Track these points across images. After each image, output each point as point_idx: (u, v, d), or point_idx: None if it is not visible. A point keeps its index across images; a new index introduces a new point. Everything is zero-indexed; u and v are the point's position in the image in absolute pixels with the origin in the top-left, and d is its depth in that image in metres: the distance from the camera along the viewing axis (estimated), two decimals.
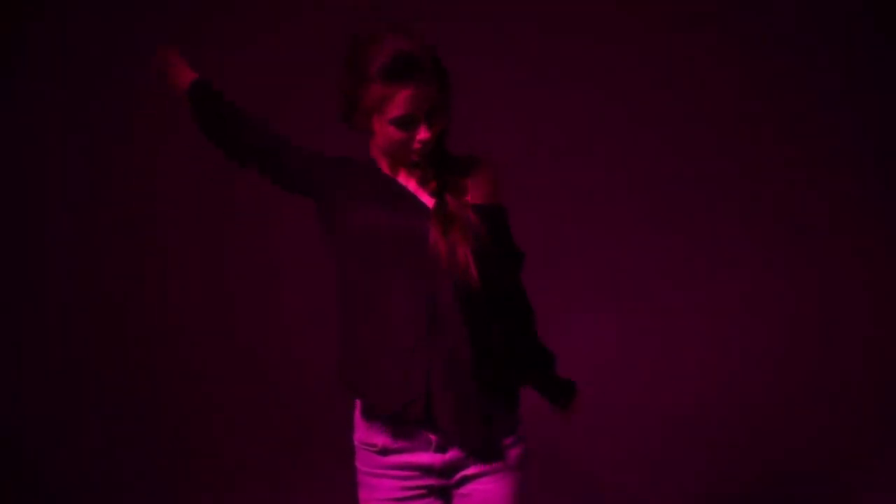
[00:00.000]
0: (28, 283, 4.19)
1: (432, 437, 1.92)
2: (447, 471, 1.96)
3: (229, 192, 4.28)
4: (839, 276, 4.38)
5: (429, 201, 1.89)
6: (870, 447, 3.71)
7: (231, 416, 4.07)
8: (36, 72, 4.18)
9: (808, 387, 4.09)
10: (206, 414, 4.07)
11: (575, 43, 4.27)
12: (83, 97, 4.20)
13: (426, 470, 1.95)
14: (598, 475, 3.55)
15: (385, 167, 1.94)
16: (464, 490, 1.98)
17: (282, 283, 4.28)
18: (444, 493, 1.99)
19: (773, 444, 3.80)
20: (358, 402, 2.00)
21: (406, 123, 1.82)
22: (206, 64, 3.95)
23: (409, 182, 1.91)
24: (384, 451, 1.95)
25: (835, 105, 4.38)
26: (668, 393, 4.10)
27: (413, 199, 1.89)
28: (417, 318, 1.85)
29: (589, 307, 4.30)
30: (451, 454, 1.95)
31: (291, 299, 4.23)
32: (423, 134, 1.83)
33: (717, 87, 4.37)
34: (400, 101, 1.80)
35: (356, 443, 2.01)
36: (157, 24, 4.12)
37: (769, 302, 4.35)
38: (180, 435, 3.97)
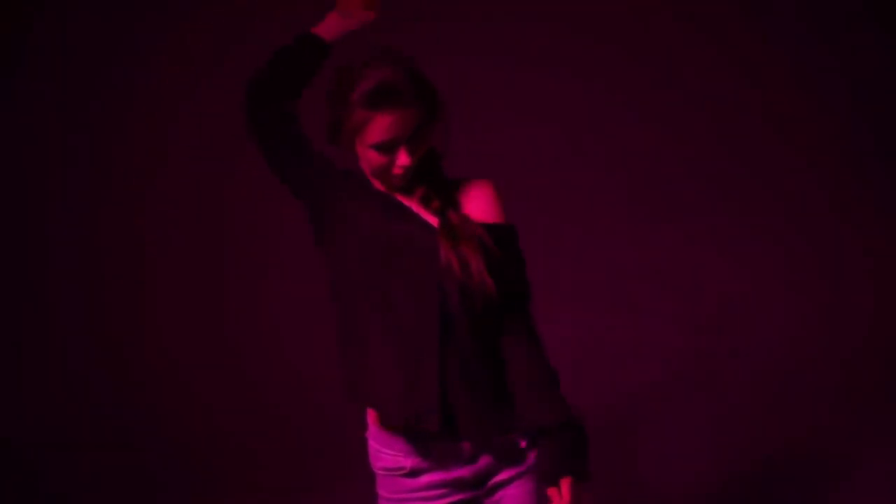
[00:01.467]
0: (28, 283, 4.19)
1: (463, 446, 1.89)
2: (479, 480, 1.94)
3: (229, 192, 4.29)
4: (840, 276, 4.38)
5: (431, 220, 1.88)
6: (870, 445, 3.71)
7: (231, 418, 4.07)
8: (36, 72, 4.18)
9: (809, 386, 4.09)
10: (207, 416, 4.07)
11: (575, 43, 4.28)
12: (83, 97, 4.20)
13: (457, 484, 1.92)
14: (598, 475, 3.55)
15: (377, 184, 1.93)
16: (495, 498, 1.97)
17: (281, 285, 4.28)
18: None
19: (773, 444, 3.79)
20: (372, 430, 1.96)
21: (386, 149, 1.82)
22: (206, 64, 3.98)
23: (410, 202, 1.91)
24: (414, 473, 1.91)
25: (835, 105, 4.38)
26: (668, 392, 4.09)
27: (414, 212, 1.89)
28: (428, 324, 1.83)
29: (589, 307, 4.29)
30: (482, 462, 1.93)
31: (292, 302, 4.23)
32: (403, 160, 1.83)
33: (717, 87, 4.37)
34: (379, 128, 1.80)
35: (378, 471, 1.96)
36: (157, 24, 4.12)
37: (770, 301, 4.35)
38: (181, 437, 3.96)
